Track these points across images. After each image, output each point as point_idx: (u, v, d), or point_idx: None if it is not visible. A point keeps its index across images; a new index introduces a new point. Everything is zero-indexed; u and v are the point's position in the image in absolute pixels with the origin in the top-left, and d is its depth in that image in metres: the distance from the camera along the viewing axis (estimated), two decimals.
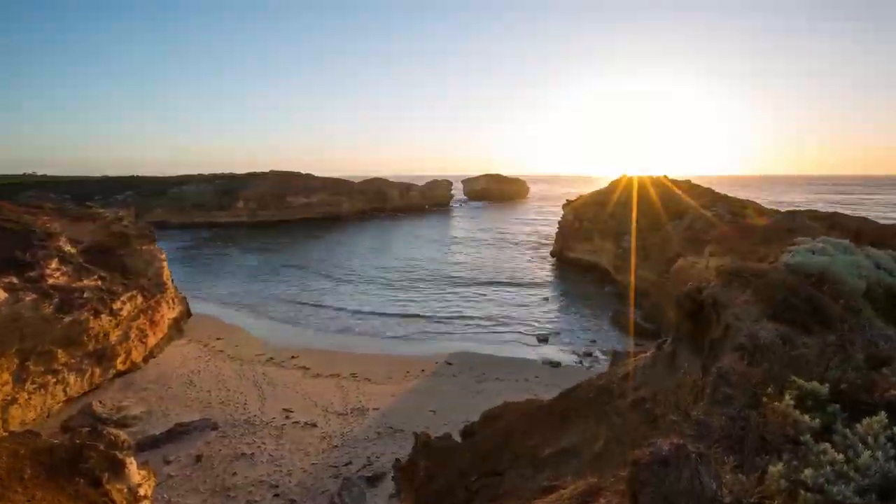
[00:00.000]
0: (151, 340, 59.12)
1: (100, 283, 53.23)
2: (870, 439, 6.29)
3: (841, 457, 6.02)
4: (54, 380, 45.73)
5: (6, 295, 42.97)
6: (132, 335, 55.12)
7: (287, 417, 45.84)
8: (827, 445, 6.21)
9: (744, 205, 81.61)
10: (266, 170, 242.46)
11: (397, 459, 30.54)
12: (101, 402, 46.18)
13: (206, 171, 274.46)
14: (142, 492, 23.44)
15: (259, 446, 40.97)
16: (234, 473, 37.55)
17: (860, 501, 5.62)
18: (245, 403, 48.53)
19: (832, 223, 50.37)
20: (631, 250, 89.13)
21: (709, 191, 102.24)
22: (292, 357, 60.39)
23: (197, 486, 36.38)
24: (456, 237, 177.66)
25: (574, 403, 19.35)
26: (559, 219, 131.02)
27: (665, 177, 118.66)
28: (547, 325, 75.91)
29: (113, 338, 52.07)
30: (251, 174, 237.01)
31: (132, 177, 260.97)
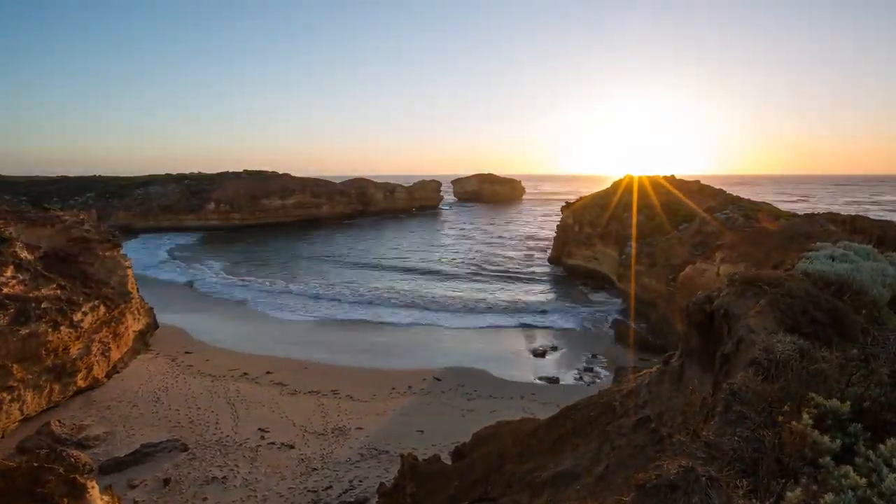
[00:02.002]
0: (115, 355, 58.76)
1: (59, 292, 52.89)
2: (895, 462, 6.28)
3: (864, 481, 6.00)
4: (9, 397, 45.33)
5: None
6: (94, 349, 54.75)
7: (262, 438, 45.64)
8: (848, 468, 6.19)
9: (757, 207, 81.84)
10: (239, 169, 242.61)
11: (382, 483, 30.40)
12: (60, 422, 45.84)
13: (173, 169, 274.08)
14: None
15: (232, 469, 40.76)
16: (205, 498, 37.32)
17: None
18: (217, 423, 48.28)
19: (854, 227, 50.48)
20: (631, 255, 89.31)
21: (720, 192, 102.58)
22: (268, 372, 60.14)
23: None
24: (445, 242, 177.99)
25: (573, 423, 19.30)
26: (557, 222, 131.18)
27: (672, 176, 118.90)
28: (544, 338, 75.92)
29: (73, 352, 51.69)
30: (223, 174, 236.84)
31: (93, 177, 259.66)
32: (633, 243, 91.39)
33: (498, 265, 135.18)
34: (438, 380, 59.09)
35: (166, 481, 38.89)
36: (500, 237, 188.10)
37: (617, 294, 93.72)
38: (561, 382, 59.31)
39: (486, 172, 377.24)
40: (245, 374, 59.72)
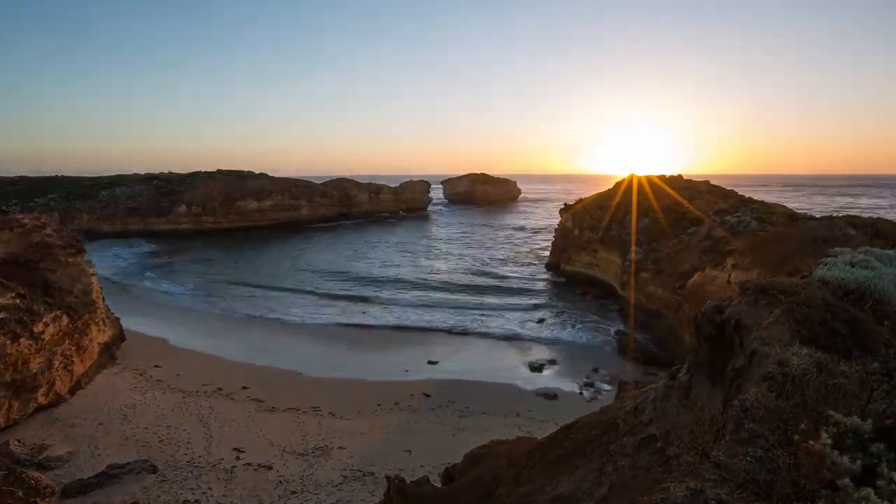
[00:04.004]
0: (79, 368, 58.44)
1: (18, 301, 52.60)
2: None
3: None
4: None
5: None
6: (56, 363, 54.43)
7: (238, 458, 45.42)
8: (869, 491, 6.17)
9: (772, 210, 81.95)
10: (212, 168, 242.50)
11: None
12: (19, 441, 45.54)
13: (141, 169, 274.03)
14: None
15: (205, 492, 40.54)
16: None
17: None
18: (189, 442, 48.04)
19: (876, 231, 50.63)
20: (631, 261, 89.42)
21: (732, 193, 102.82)
22: (243, 387, 59.94)
23: None
24: (434, 247, 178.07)
25: (573, 442, 19.29)
26: (556, 226, 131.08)
27: (679, 176, 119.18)
28: (542, 350, 75.93)
29: (33, 365, 51.39)
30: (195, 174, 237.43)
31: (55, 177, 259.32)
32: (633, 248, 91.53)
33: (491, 272, 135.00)
34: (427, 395, 58.93)
35: None
36: (493, 241, 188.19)
37: (620, 303, 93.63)
38: (559, 398, 59.14)
39: (479, 172, 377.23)
40: (219, 389, 59.47)
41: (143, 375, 62.80)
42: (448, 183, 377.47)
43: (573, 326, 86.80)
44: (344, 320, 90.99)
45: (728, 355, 12.92)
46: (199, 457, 45.56)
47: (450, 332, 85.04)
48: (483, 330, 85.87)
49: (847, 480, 6.41)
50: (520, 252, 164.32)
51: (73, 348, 58.07)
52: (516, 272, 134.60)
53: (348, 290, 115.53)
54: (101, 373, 62.26)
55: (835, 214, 64.21)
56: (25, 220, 67.74)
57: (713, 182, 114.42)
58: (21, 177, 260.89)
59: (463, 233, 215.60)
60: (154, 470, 43.03)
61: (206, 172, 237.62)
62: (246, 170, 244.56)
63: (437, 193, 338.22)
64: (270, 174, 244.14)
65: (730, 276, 59.24)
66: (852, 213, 70.02)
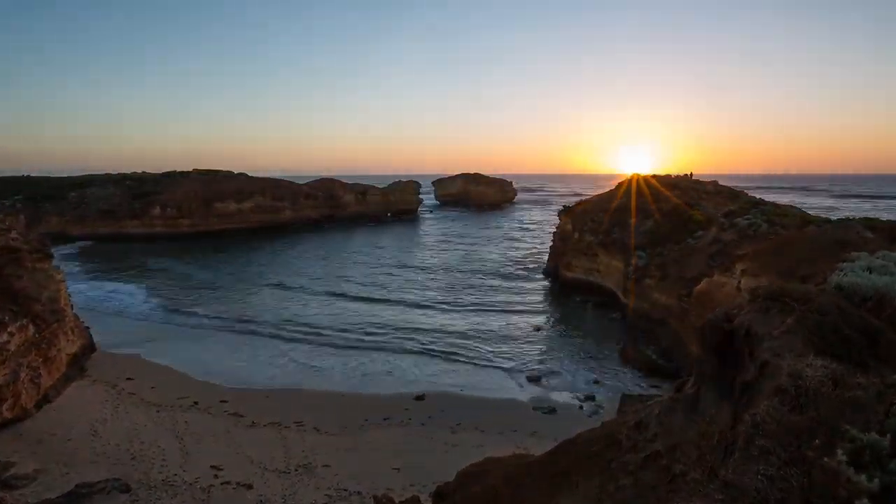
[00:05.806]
0: (46, 381, 58.12)
1: None
2: None
3: None
4: None
5: None
6: (22, 375, 54.10)
7: (215, 476, 45.17)
8: None
9: (784, 211, 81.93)
10: (188, 168, 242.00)
11: None
12: None
13: (114, 169, 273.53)
14: None
15: None
16: None
17: None
18: (163, 459, 47.76)
19: (894, 234, 50.62)
20: (632, 264, 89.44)
21: (741, 194, 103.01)
22: (222, 401, 59.70)
23: None
24: (426, 251, 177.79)
25: (573, 459, 19.26)
26: (554, 229, 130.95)
27: (686, 176, 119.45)
28: (539, 361, 75.80)
29: None
30: (169, 174, 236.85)
31: (22, 177, 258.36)
32: (633, 252, 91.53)
33: (487, 278, 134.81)
34: (418, 410, 58.83)
35: None
36: (487, 246, 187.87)
37: (622, 311, 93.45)
38: (558, 412, 59.01)
39: (472, 172, 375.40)
40: (195, 403, 59.21)
41: (114, 388, 62.46)
42: (440, 183, 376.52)
43: (572, 336, 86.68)
44: (327, 334, 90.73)
45: (737, 366, 12.90)
46: (175, 475, 45.31)
47: (441, 340, 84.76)
48: (476, 338, 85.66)
49: (865, 500, 6.40)
50: (515, 257, 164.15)
51: (41, 359, 57.77)
52: (512, 278, 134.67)
53: (331, 297, 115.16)
54: (70, 385, 61.91)
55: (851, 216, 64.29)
56: None
57: (727, 184, 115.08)
58: None
59: (454, 237, 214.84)
60: (126, 489, 42.81)
61: (180, 172, 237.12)
62: (223, 169, 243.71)
63: (428, 194, 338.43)
64: (250, 174, 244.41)
65: (739, 282, 59.13)
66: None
